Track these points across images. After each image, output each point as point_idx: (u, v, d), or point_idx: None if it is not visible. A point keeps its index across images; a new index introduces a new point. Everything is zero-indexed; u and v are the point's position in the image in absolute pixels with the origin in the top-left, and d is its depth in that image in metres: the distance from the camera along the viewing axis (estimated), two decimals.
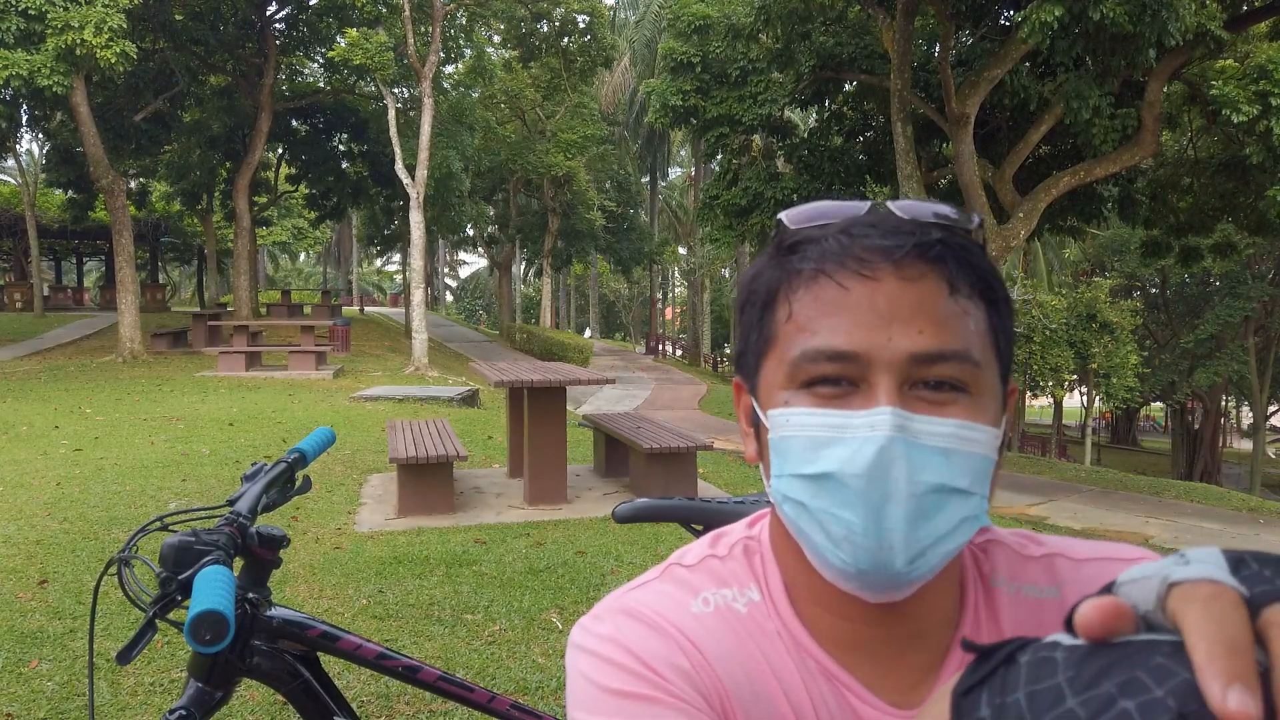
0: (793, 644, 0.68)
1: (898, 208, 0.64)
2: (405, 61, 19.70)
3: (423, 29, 20.22)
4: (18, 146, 26.94)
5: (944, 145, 13.26)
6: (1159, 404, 34.68)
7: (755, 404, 0.68)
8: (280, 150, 28.40)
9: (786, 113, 15.12)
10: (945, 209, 0.64)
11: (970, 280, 0.62)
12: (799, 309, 0.63)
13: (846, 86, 14.30)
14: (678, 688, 0.64)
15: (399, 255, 47.80)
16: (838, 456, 0.60)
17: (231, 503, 1.50)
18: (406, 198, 20.33)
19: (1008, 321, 0.66)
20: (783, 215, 0.68)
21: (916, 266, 0.61)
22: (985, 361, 0.62)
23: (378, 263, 68.42)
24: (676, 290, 59.04)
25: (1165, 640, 0.38)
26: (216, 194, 27.97)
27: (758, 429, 0.69)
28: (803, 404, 0.62)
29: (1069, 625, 0.41)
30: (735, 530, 0.76)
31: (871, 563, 0.60)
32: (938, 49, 11.52)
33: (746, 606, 0.70)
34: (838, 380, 0.61)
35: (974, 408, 0.61)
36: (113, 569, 1.41)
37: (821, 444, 0.61)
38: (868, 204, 0.65)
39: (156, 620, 1.32)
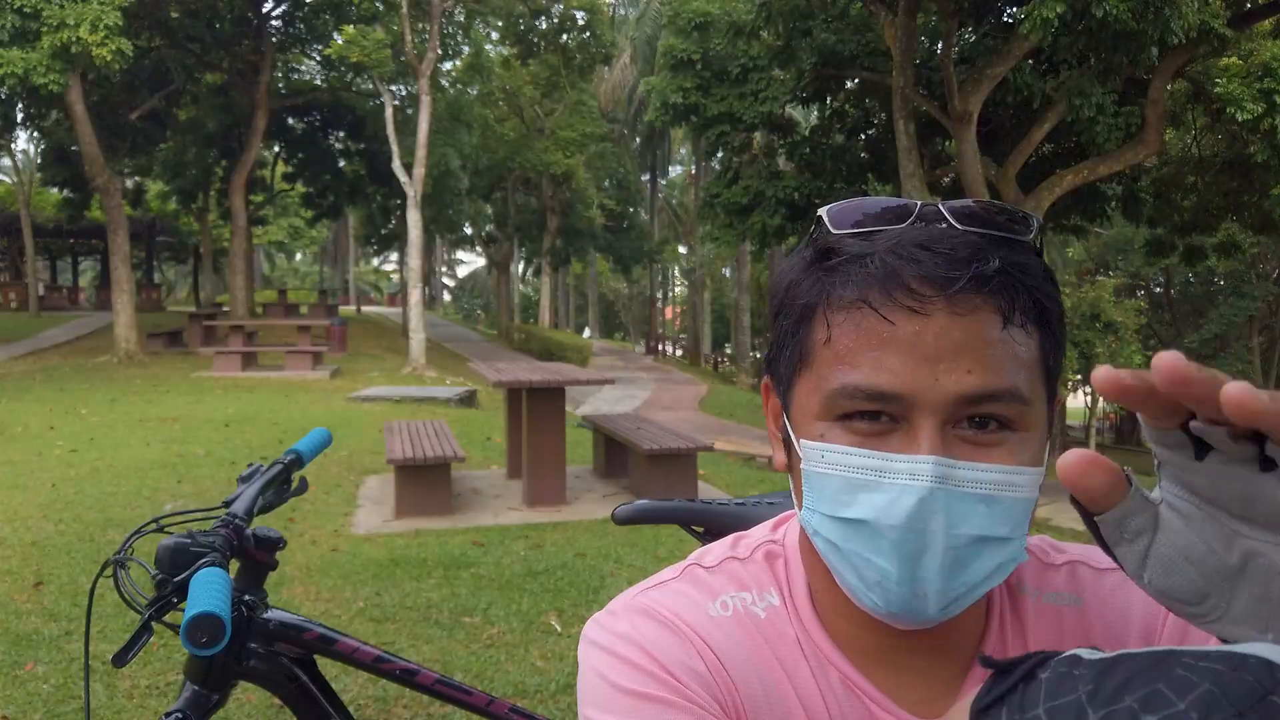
0: (812, 651, 0.67)
1: (951, 213, 0.60)
2: (403, 59, 19.69)
3: (420, 26, 20.20)
4: (13, 145, 26.92)
5: (947, 143, 13.27)
6: None
7: (788, 422, 0.66)
8: (277, 148, 28.40)
9: (788, 110, 15.15)
10: (1002, 214, 0.60)
11: (1025, 305, 0.59)
12: (838, 335, 0.60)
13: (848, 84, 14.33)
14: (693, 691, 0.63)
15: (396, 254, 47.78)
16: (874, 504, 0.58)
17: (227, 504, 1.50)
18: (404, 196, 20.31)
19: (1059, 339, 0.62)
20: (823, 212, 0.64)
21: (970, 300, 0.57)
22: (1034, 394, 0.59)
23: (375, 262, 68.44)
24: (676, 290, 59.08)
25: (1186, 651, 0.38)
26: (212, 193, 27.99)
27: (789, 445, 0.66)
28: (839, 440, 0.60)
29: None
30: (757, 533, 0.75)
31: (904, 608, 0.59)
32: (940, 46, 11.52)
33: (765, 611, 0.69)
34: (877, 415, 0.59)
35: (1020, 447, 0.59)
36: (108, 571, 1.41)
37: (858, 486, 0.59)
38: (916, 207, 0.60)
39: (152, 623, 1.31)
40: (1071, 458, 0.39)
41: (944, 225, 0.59)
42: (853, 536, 0.59)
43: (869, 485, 0.58)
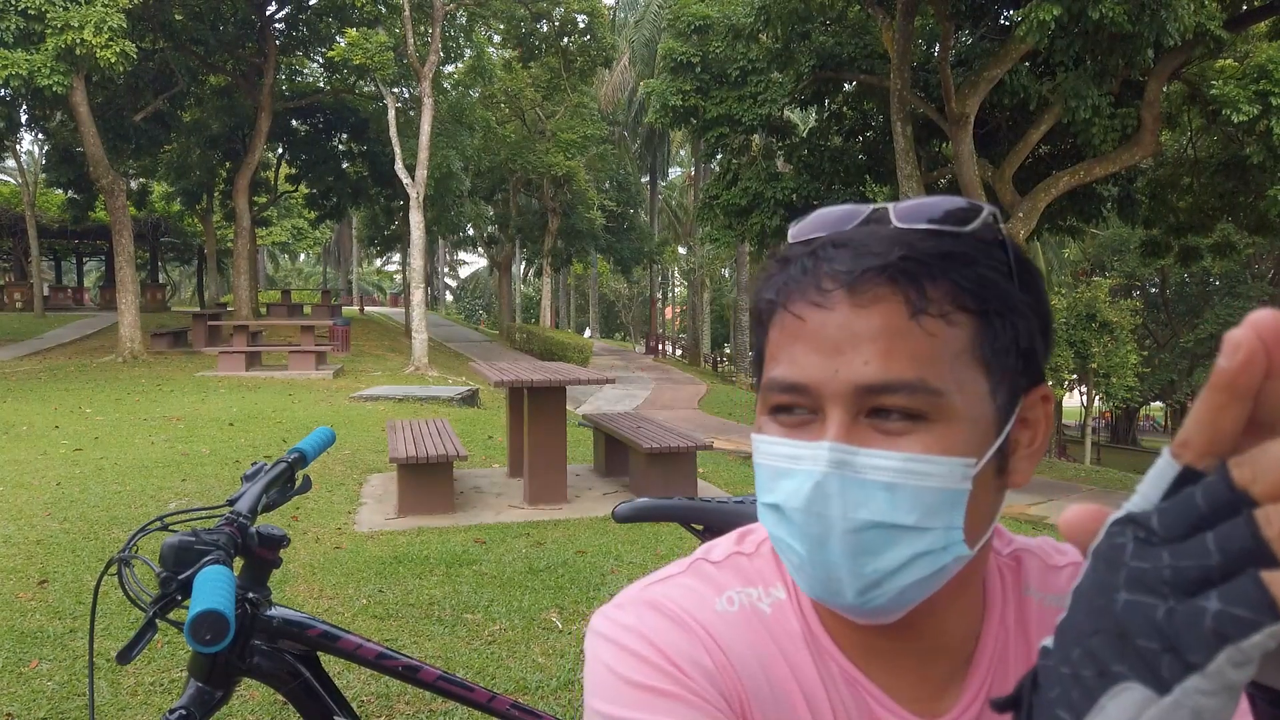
0: (815, 647, 0.68)
1: (897, 213, 0.61)
2: (405, 61, 19.71)
3: (422, 29, 20.23)
4: (18, 147, 26.96)
5: (944, 145, 13.28)
6: (1159, 404, 34.69)
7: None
8: (280, 150, 28.40)
9: (786, 113, 15.16)
10: (941, 209, 0.60)
11: (948, 293, 0.58)
12: (772, 336, 0.63)
13: (846, 86, 14.34)
14: (700, 686, 0.63)
15: (399, 255, 47.79)
16: (785, 489, 0.60)
17: (231, 502, 1.50)
18: (406, 197, 20.34)
19: (1008, 331, 0.60)
20: (793, 225, 0.67)
21: (871, 291, 0.58)
22: (956, 386, 0.58)
23: (377, 263, 68.45)
24: (676, 290, 59.03)
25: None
26: (216, 194, 27.96)
27: None
28: (771, 431, 0.63)
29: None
30: (762, 528, 0.75)
31: (824, 593, 0.61)
32: (937, 49, 11.54)
33: (771, 607, 0.69)
34: (799, 408, 0.61)
35: (934, 438, 0.58)
36: (113, 569, 1.41)
37: (779, 474, 0.61)
38: (866, 211, 0.62)
39: (157, 620, 1.31)
40: (1070, 514, 0.39)
41: (888, 225, 0.60)
42: (777, 522, 0.62)
43: (785, 473, 0.60)
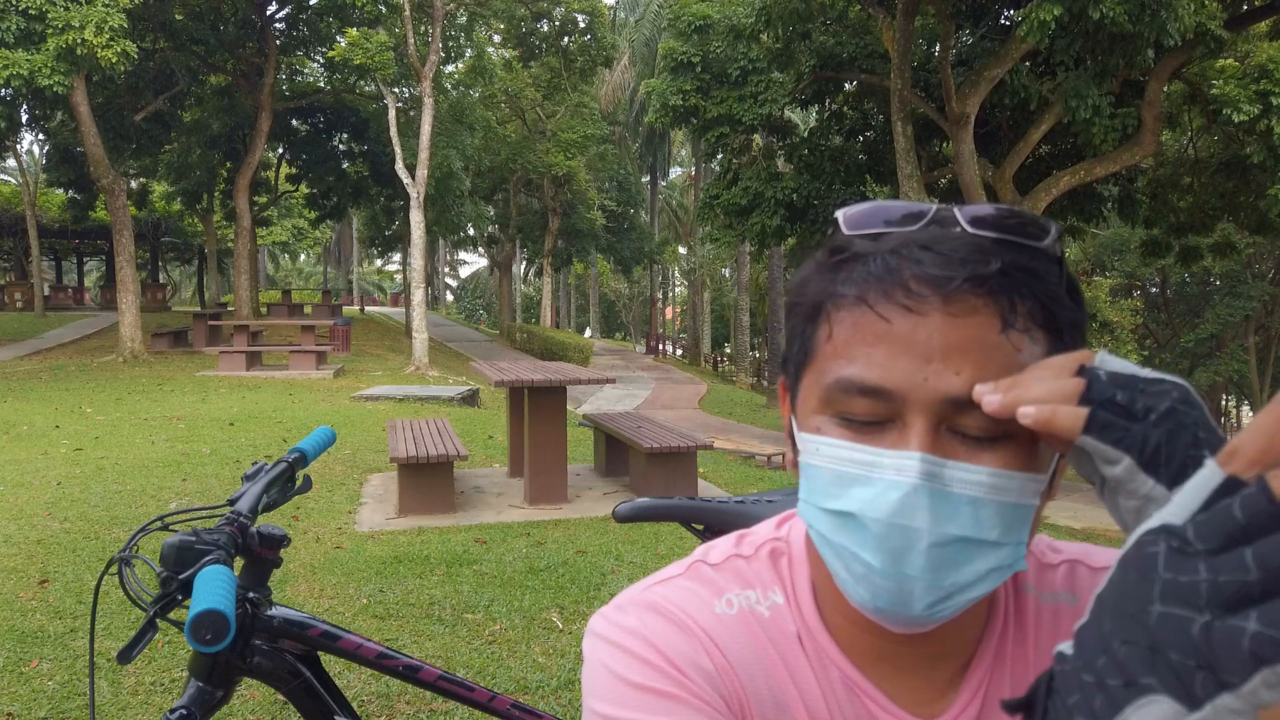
0: (814, 650, 0.68)
1: (964, 216, 0.59)
2: (405, 61, 19.73)
3: (423, 29, 20.24)
4: (18, 146, 26.97)
5: (944, 145, 13.29)
6: None
7: (793, 417, 0.65)
8: (280, 150, 28.42)
9: (787, 112, 15.17)
10: (1015, 220, 0.59)
11: (1030, 309, 0.57)
12: (839, 331, 0.60)
13: (847, 86, 14.35)
14: (700, 688, 0.63)
15: (399, 255, 47.80)
16: (861, 497, 0.58)
17: (232, 502, 1.50)
18: (407, 197, 20.36)
19: (1072, 349, 0.60)
20: (840, 214, 0.63)
21: (967, 301, 0.56)
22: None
23: (378, 262, 68.48)
24: (677, 290, 59.03)
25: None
26: (217, 194, 28.00)
27: (793, 439, 0.66)
28: (834, 434, 0.60)
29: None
30: (761, 530, 0.75)
31: (890, 604, 0.59)
32: (938, 48, 11.55)
33: (769, 610, 0.69)
34: (871, 411, 0.59)
35: (1015, 452, 0.57)
36: (113, 568, 1.41)
37: (848, 480, 0.59)
38: (931, 210, 0.60)
39: (157, 620, 1.31)
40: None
41: (956, 229, 0.58)
42: (841, 529, 0.59)
43: (858, 479, 0.58)
